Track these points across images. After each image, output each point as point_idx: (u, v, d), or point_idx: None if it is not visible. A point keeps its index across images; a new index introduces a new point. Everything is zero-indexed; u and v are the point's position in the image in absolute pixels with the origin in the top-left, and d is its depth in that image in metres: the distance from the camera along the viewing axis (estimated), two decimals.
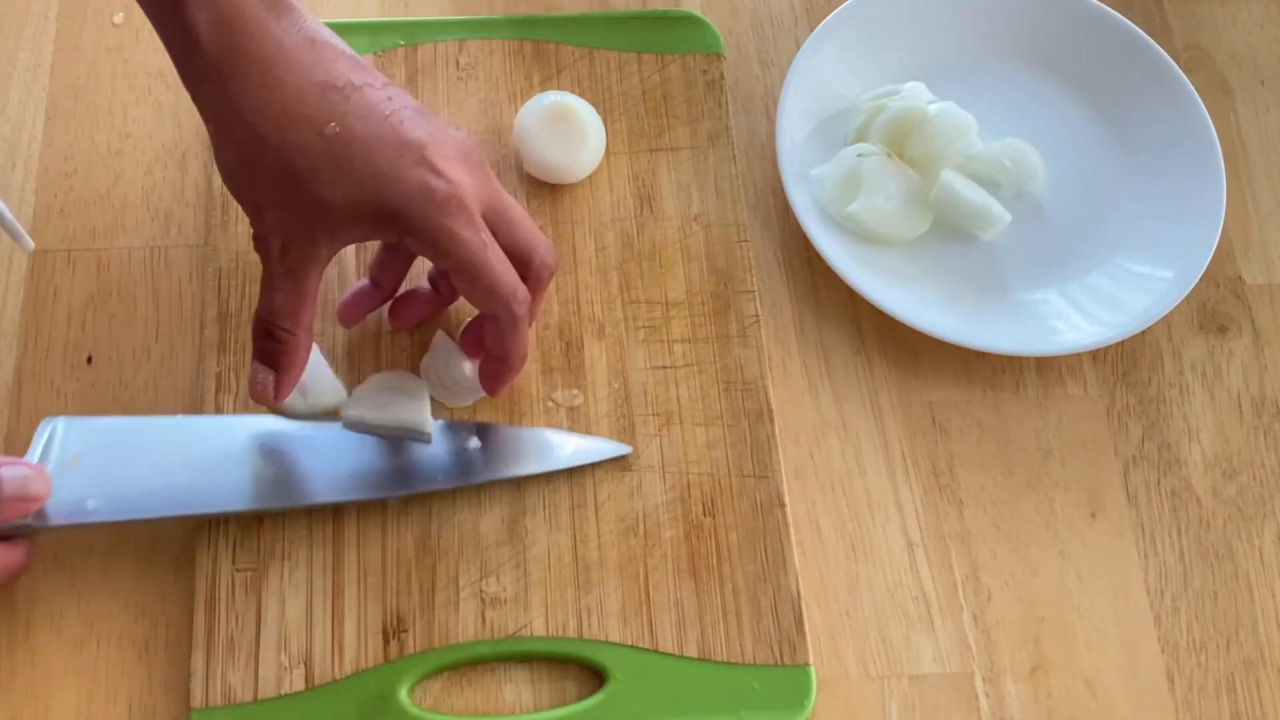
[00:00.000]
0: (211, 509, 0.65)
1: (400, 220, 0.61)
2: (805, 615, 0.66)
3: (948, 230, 0.76)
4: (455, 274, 0.63)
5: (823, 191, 0.76)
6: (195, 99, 0.62)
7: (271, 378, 0.64)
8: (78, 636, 0.65)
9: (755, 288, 0.74)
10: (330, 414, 0.68)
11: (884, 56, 0.81)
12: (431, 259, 0.63)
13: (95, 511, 0.63)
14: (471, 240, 0.62)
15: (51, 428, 0.64)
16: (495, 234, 0.64)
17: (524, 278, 0.65)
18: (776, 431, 0.70)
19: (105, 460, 0.64)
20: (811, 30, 0.80)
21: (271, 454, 0.67)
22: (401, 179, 0.60)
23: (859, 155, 0.75)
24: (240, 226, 0.73)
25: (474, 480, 0.67)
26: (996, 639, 0.67)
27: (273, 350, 0.63)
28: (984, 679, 0.66)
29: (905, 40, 0.81)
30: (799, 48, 0.79)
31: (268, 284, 0.62)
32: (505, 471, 0.68)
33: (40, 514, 0.62)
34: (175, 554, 0.67)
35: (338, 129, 0.60)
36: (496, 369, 0.67)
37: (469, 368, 0.70)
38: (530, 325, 0.68)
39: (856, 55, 0.80)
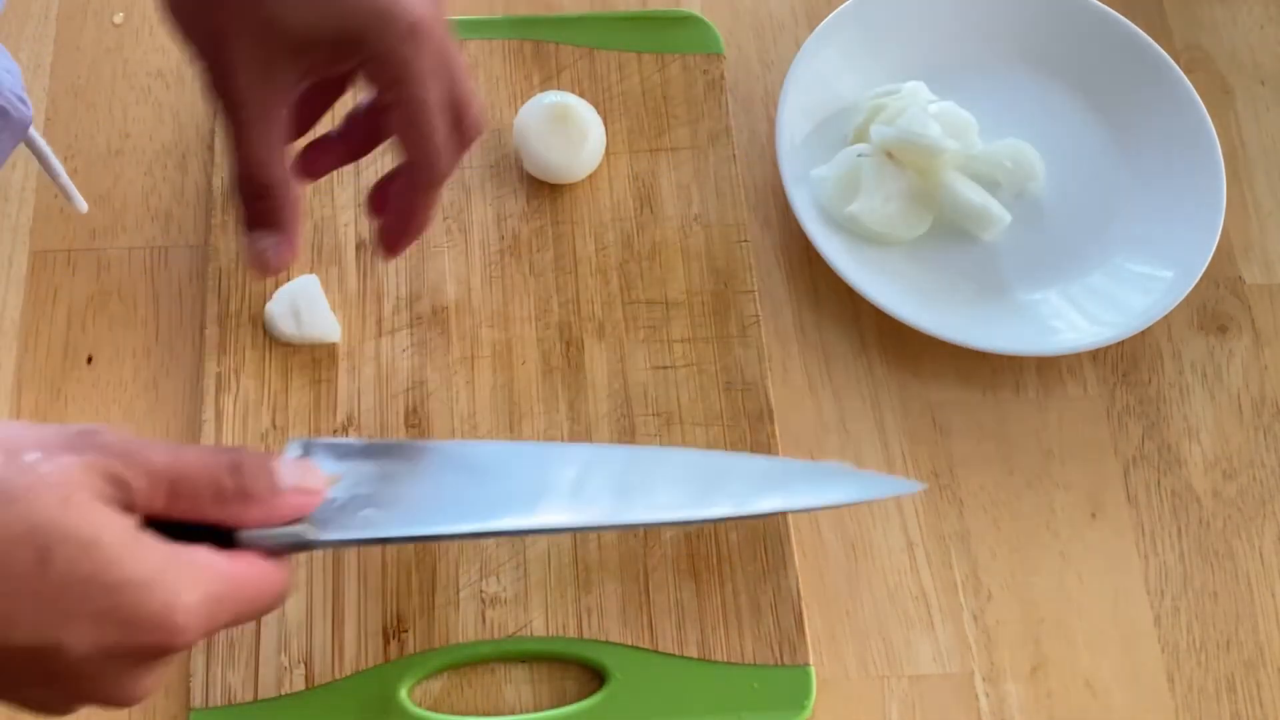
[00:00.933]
0: (502, 523, 0.58)
1: (360, 45, 0.57)
2: (805, 615, 0.66)
3: (948, 230, 0.76)
4: (399, 108, 0.58)
5: (823, 192, 0.75)
6: None
7: (272, 241, 0.60)
8: None
9: (755, 288, 0.74)
10: (321, 346, 0.69)
11: (884, 57, 0.81)
12: (381, 89, 0.58)
13: (378, 523, 0.55)
14: (424, 74, 0.57)
15: (302, 447, 0.56)
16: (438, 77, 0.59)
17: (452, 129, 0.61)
18: (777, 432, 0.70)
19: (366, 479, 0.57)
20: (811, 30, 0.80)
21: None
22: (367, 5, 0.56)
23: (859, 155, 0.75)
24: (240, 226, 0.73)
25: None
26: (996, 639, 0.67)
27: (266, 209, 0.60)
28: (984, 679, 0.66)
29: (905, 40, 0.81)
30: (799, 48, 0.79)
31: (240, 135, 0.58)
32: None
33: (314, 522, 0.53)
34: None
35: None
36: (398, 228, 0.63)
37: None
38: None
39: (856, 55, 0.80)
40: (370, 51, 0.57)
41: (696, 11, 0.83)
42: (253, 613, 0.51)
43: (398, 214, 0.63)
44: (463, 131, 0.61)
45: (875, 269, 0.74)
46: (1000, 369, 0.74)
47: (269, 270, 0.61)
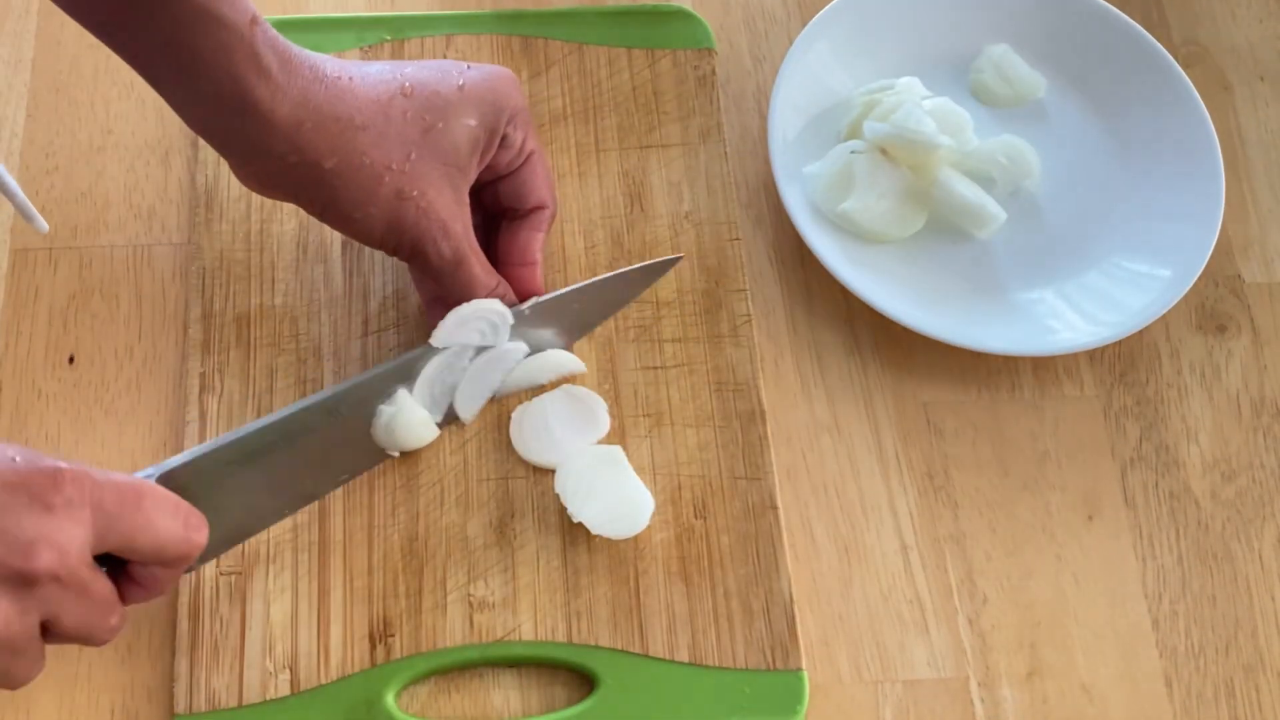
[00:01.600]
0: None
1: (501, 110, 0.65)
2: (798, 619, 0.65)
3: (942, 228, 0.76)
4: (532, 158, 0.69)
5: (815, 189, 0.75)
6: (299, 149, 0.61)
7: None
8: None
9: (747, 286, 0.73)
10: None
11: (877, 52, 0.80)
12: (520, 146, 0.68)
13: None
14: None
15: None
16: None
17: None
18: (769, 433, 0.69)
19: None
20: (804, 25, 0.79)
21: None
22: (478, 80, 0.65)
23: (852, 152, 0.74)
24: (224, 224, 0.72)
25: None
26: (992, 643, 0.67)
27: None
28: (979, 684, 0.66)
29: (898, 35, 0.81)
30: (791, 43, 0.78)
31: (468, 276, 0.65)
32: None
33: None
34: None
35: (409, 83, 0.64)
36: (528, 272, 0.70)
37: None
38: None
39: (849, 51, 0.79)
40: (509, 109, 0.65)
41: (687, 6, 0.82)
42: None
43: (522, 259, 0.69)
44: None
45: (869, 267, 0.73)
46: (996, 369, 0.73)
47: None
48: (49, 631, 0.52)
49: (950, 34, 0.81)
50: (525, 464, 0.68)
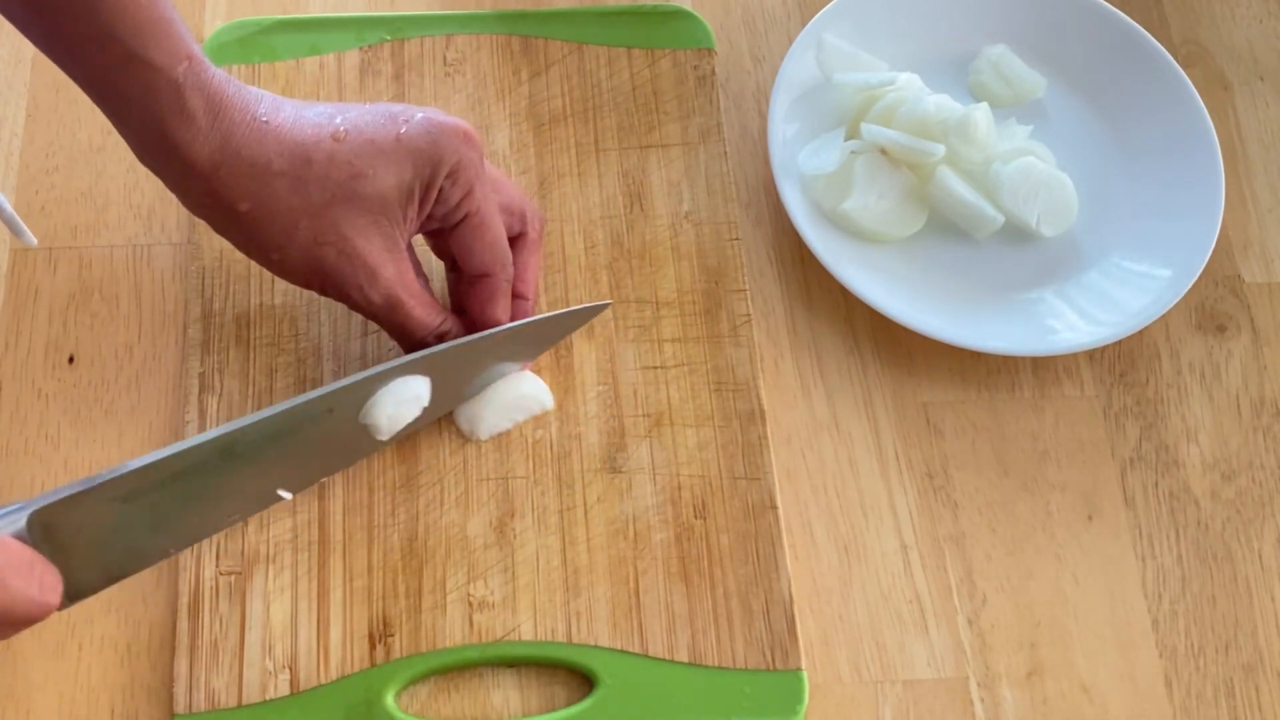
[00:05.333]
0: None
1: (439, 163, 0.62)
2: (797, 619, 0.65)
3: (942, 228, 0.76)
4: (469, 220, 0.64)
5: (815, 189, 0.75)
6: (215, 193, 0.61)
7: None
8: (59, 640, 0.64)
9: (747, 287, 0.73)
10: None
11: (876, 52, 0.80)
12: (458, 201, 0.64)
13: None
14: (485, 180, 0.64)
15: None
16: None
17: (521, 233, 0.68)
18: (768, 433, 0.69)
19: None
20: (804, 25, 0.79)
21: None
22: (419, 131, 0.62)
23: (852, 152, 0.74)
24: None
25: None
26: (992, 643, 0.67)
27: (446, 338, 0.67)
28: (979, 684, 0.66)
29: (898, 34, 0.80)
30: (791, 42, 0.78)
31: (404, 319, 0.64)
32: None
33: None
34: None
35: (344, 127, 0.62)
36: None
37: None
38: (535, 295, 0.70)
39: (849, 50, 0.79)
40: (449, 161, 0.62)
41: (687, 6, 0.82)
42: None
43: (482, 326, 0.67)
44: (531, 228, 0.69)
45: (868, 267, 0.73)
46: (995, 369, 0.73)
47: None
48: None
49: (949, 34, 0.81)
50: (525, 464, 0.68)
